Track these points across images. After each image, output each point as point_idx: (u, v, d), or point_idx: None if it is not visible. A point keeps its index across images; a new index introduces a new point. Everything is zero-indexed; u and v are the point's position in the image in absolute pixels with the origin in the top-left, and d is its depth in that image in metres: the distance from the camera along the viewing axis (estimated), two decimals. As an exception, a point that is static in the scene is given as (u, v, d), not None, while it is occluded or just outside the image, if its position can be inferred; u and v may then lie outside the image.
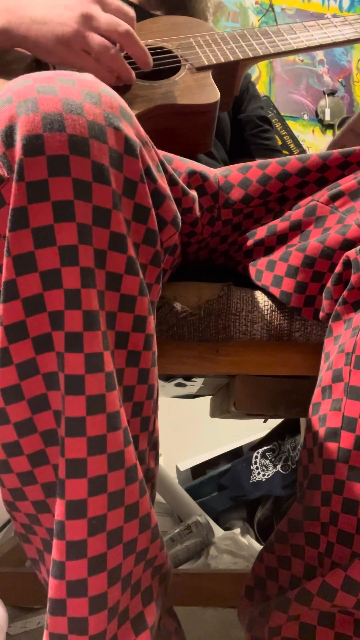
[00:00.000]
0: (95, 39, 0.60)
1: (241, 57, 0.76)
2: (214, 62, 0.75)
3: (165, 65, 0.74)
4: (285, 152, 1.56)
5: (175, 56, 0.76)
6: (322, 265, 0.56)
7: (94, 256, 0.38)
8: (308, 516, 0.50)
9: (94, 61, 0.62)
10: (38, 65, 0.68)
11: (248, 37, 0.79)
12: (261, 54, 0.77)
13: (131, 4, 0.71)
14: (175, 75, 0.73)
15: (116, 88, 0.62)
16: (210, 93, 0.71)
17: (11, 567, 0.91)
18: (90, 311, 0.38)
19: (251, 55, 0.77)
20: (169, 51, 0.76)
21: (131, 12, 0.64)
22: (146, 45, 0.73)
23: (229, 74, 0.78)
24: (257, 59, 0.78)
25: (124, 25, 0.61)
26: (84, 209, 0.37)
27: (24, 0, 0.62)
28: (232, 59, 0.76)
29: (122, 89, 0.68)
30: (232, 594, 0.81)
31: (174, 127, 0.72)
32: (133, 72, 0.66)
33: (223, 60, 0.75)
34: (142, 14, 0.89)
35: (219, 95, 0.71)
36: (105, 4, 0.62)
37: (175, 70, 0.74)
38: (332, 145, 0.88)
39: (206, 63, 0.75)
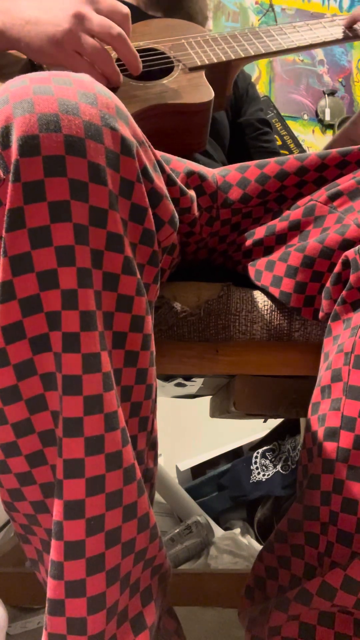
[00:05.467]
0: (88, 40, 0.60)
1: (233, 57, 0.77)
2: (207, 62, 0.76)
3: (158, 66, 0.74)
4: (285, 152, 1.56)
5: (168, 57, 0.76)
6: (321, 265, 0.56)
7: (91, 256, 0.38)
8: (308, 516, 0.50)
9: (87, 63, 0.62)
10: (33, 67, 0.68)
11: (239, 38, 0.81)
12: (252, 53, 0.78)
13: (126, 4, 0.71)
14: (169, 76, 0.74)
15: (110, 88, 0.62)
16: (204, 92, 0.72)
17: (11, 567, 0.91)
18: (87, 311, 0.38)
19: (242, 55, 0.78)
20: (162, 52, 0.77)
21: (125, 9, 0.64)
22: (139, 47, 0.73)
23: (221, 74, 0.79)
24: (248, 59, 0.79)
25: (117, 29, 0.61)
26: (80, 209, 0.37)
27: (18, 2, 0.62)
28: (224, 59, 0.77)
29: (116, 89, 0.68)
30: (232, 594, 0.81)
31: (168, 127, 0.72)
32: (121, 76, 0.66)
33: (215, 61, 0.76)
34: (138, 14, 0.89)
35: (212, 94, 0.72)
36: (98, 4, 0.62)
37: (168, 71, 0.75)
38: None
39: (199, 63, 0.75)
